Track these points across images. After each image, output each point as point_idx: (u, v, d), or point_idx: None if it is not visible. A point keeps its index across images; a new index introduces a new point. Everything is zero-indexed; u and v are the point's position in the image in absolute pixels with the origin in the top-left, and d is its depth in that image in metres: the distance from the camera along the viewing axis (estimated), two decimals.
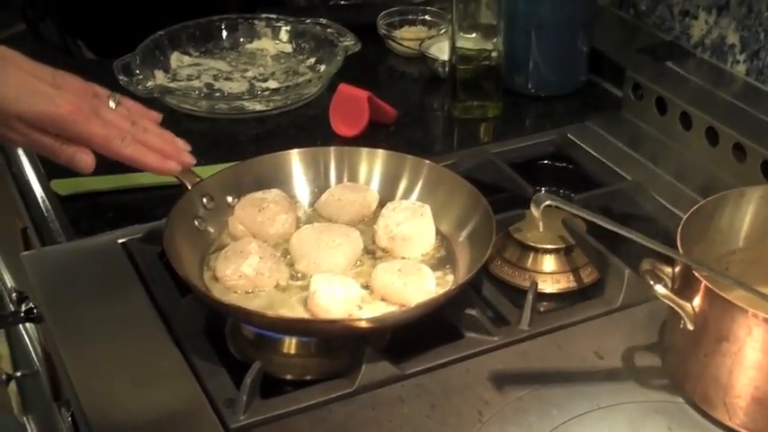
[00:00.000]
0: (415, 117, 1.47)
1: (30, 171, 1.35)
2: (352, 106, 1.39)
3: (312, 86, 1.49)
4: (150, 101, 1.40)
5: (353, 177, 1.20)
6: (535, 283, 1.08)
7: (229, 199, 1.16)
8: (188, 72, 1.56)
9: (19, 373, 1.82)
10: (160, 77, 1.52)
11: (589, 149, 1.37)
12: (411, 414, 0.95)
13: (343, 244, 1.09)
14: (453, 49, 1.41)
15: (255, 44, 1.64)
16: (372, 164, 1.21)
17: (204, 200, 1.14)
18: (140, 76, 1.47)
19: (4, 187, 1.41)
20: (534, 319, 1.05)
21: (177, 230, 1.08)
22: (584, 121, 1.44)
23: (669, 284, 0.95)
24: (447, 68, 1.45)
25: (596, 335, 1.04)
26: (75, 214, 1.25)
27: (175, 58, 1.58)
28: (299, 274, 1.08)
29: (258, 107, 1.46)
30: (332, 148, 1.22)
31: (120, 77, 1.44)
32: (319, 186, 1.20)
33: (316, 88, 1.49)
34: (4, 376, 1.84)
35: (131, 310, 1.07)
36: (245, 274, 1.05)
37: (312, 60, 1.59)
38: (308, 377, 1.01)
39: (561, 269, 1.13)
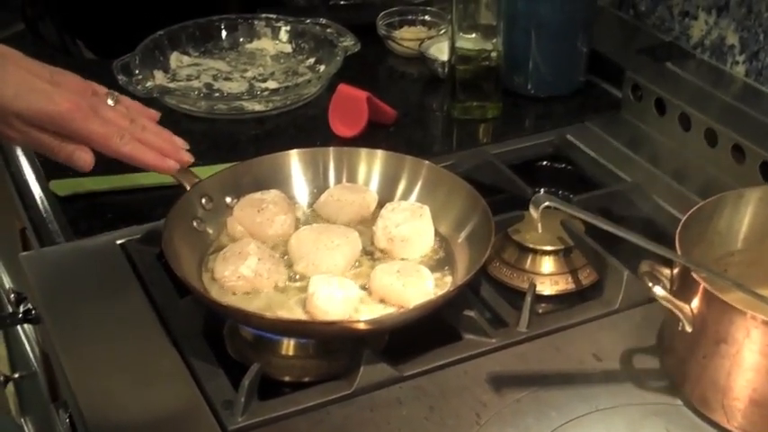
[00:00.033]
0: (414, 117, 1.47)
1: (28, 171, 1.35)
2: (352, 107, 1.39)
3: (311, 87, 1.48)
4: (149, 101, 1.40)
5: (352, 178, 1.20)
6: (534, 285, 1.08)
7: (228, 200, 1.16)
8: (187, 72, 1.56)
9: (17, 375, 1.82)
10: (159, 77, 1.52)
11: (588, 150, 1.37)
12: (409, 416, 0.95)
13: (341, 245, 1.09)
14: (453, 49, 1.40)
15: (255, 44, 1.64)
16: (371, 164, 1.21)
17: (203, 200, 1.14)
18: (140, 76, 1.47)
19: (3, 188, 1.41)
20: (533, 320, 1.05)
21: (176, 231, 1.08)
22: (583, 122, 1.44)
23: (668, 286, 0.95)
24: (446, 69, 1.45)
25: (595, 337, 1.04)
26: (74, 215, 1.25)
27: (175, 58, 1.58)
28: (298, 276, 1.08)
29: (257, 107, 1.46)
30: (331, 149, 1.22)
31: (120, 77, 1.44)
32: (318, 187, 1.20)
33: (315, 88, 1.49)
34: (1, 377, 1.84)
35: (130, 311, 1.07)
36: (243, 275, 1.05)
37: (312, 60, 1.59)
38: (307, 379, 1.00)
39: (560, 271, 1.13)
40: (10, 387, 1.86)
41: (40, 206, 1.28)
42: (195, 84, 1.53)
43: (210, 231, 1.13)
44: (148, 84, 1.46)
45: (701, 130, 1.32)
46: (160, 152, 1.08)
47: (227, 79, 1.55)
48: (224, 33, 1.64)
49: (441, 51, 1.51)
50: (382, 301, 1.04)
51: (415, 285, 1.03)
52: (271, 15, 1.66)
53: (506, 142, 1.40)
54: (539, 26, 1.45)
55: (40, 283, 1.12)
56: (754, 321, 0.88)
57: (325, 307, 1.00)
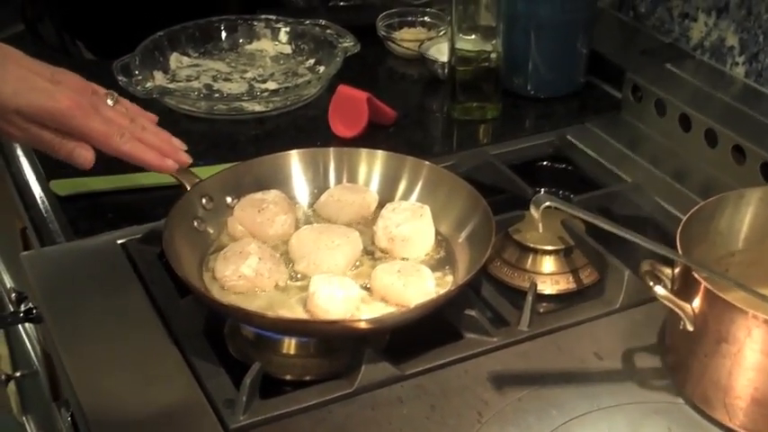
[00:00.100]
0: (414, 118, 1.47)
1: (29, 171, 1.35)
2: (352, 107, 1.39)
3: (311, 87, 1.49)
4: (149, 101, 1.40)
5: (353, 178, 1.20)
6: (534, 284, 1.08)
7: (229, 200, 1.16)
8: (187, 73, 1.56)
9: (18, 374, 1.82)
10: (159, 78, 1.52)
11: (588, 151, 1.38)
12: (410, 415, 0.95)
13: (342, 245, 1.09)
14: (453, 50, 1.41)
15: (255, 45, 1.64)
16: (372, 165, 1.21)
17: (203, 200, 1.14)
18: (139, 77, 1.47)
19: (4, 187, 1.41)
20: (534, 319, 1.05)
21: (176, 231, 1.08)
22: (583, 123, 1.44)
23: (669, 285, 0.95)
24: (446, 70, 1.45)
25: (596, 336, 1.04)
26: (75, 214, 1.25)
27: (174, 59, 1.58)
28: (299, 275, 1.08)
29: (257, 108, 1.46)
30: (331, 149, 1.22)
31: (120, 78, 1.44)
32: (319, 187, 1.20)
33: (315, 89, 1.49)
34: (3, 376, 1.84)
35: (131, 310, 1.07)
36: (244, 274, 1.05)
37: (311, 61, 1.59)
38: (308, 378, 1.01)
39: (561, 270, 1.13)
40: (11, 386, 1.86)
41: (41, 206, 1.28)
42: (195, 84, 1.53)
43: (211, 231, 1.13)
44: (148, 84, 1.46)
45: (701, 130, 1.32)
46: (159, 152, 1.09)
47: (226, 80, 1.55)
48: (224, 34, 1.64)
49: (440, 52, 1.52)
50: (383, 300, 1.04)
51: (415, 285, 1.03)
52: (270, 16, 1.66)
53: (506, 143, 1.40)
54: (538, 27, 1.45)
55: (41, 283, 1.12)
56: (755, 320, 0.88)
57: (326, 306, 1.00)
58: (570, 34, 1.48)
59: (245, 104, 1.46)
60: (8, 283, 1.73)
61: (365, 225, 1.16)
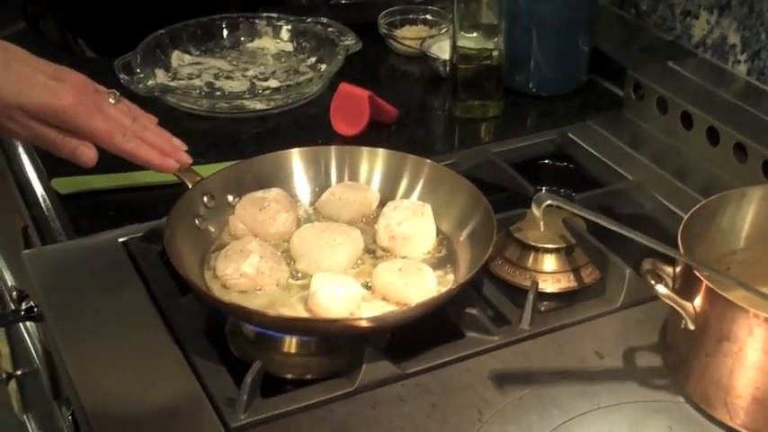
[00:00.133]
0: (415, 116, 1.47)
1: (30, 170, 1.35)
2: (353, 105, 1.39)
3: (313, 85, 1.48)
4: (151, 99, 1.41)
5: (354, 176, 1.20)
6: (536, 283, 1.08)
7: (230, 198, 1.16)
8: (189, 71, 1.56)
9: (19, 372, 1.82)
10: (161, 76, 1.52)
11: (590, 149, 1.37)
12: (411, 413, 0.95)
13: (343, 243, 1.09)
14: (454, 48, 1.40)
15: (256, 43, 1.64)
16: (373, 163, 1.21)
17: (205, 199, 1.14)
18: (141, 75, 1.47)
19: (5, 186, 1.41)
20: (535, 318, 1.05)
21: (178, 229, 1.08)
22: (585, 121, 1.44)
23: (670, 284, 0.95)
24: (448, 68, 1.45)
25: (597, 334, 1.04)
26: (76, 213, 1.25)
27: (176, 57, 1.58)
28: (300, 274, 1.08)
29: (259, 106, 1.46)
30: (333, 148, 1.22)
31: (121, 76, 1.44)
32: (320, 185, 1.20)
33: (317, 87, 1.49)
34: (4, 375, 1.85)
35: (132, 308, 1.07)
36: (245, 273, 1.05)
37: (313, 59, 1.59)
38: (309, 376, 1.01)
39: (562, 269, 1.13)
40: (12, 384, 1.86)
41: (42, 204, 1.28)
42: (196, 82, 1.53)
43: (212, 229, 1.13)
44: (150, 82, 1.46)
45: (702, 128, 1.32)
46: (160, 152, 1.09)
47: (228, 78, 1.55)
48: (225, 32, 1.64)
49: (442, 50, 1.51)
50: (384, 299, 1.04)
51: (416, 283, 1.03)
52: (272, 14, 1.66)
53: (508, 141, 1.40)
54: (540, 25, 1.45)
55: (42, 281, 1.12)
56: (756, 319, 0.88)
57: (328, 305, 1.00)
58: (572, 32, 1.48)
59: (246, 102, 1.46)
60: (9, 281, 1.73)
61: (366, 223, 1.16)
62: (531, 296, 1.05)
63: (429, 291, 1.03)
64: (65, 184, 1.28)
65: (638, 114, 1.43)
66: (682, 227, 0.97)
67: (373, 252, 1.12)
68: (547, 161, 1.39)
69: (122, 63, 1.48)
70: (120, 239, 1.17)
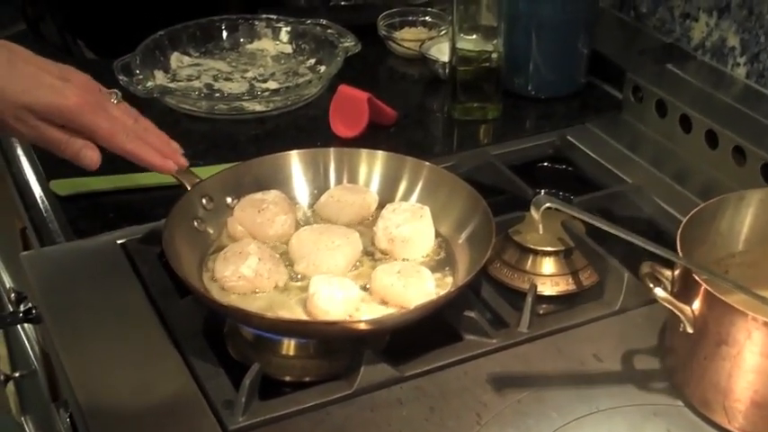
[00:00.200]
0: (414, 118, 1.47)
1: (29, 171, 1.35)
2: (352, 107, 1.39)
3: (312, 87, 1.48)
4: (150, 101, 1.41)
5: (353, 179, 1.20)
6: (534, 286, 1.08)
7: (229, 200, 1.16)
8: (188, 72, 1.56)
9: (17, 374, 1.82)
10: (160, 78, 1.52)
11: (589, 152, 1.37)
12: (410, 416, 0.95)
13: (342, 245, 1.09)
14: (453, 50, 1.40)
15: (256, 45, 1.64)
16: (372, 165, 1.21)
17: (204, 201, 1.14)
18: (140, 76, 1.47)
19: (4, 187, 1.41)
20: (533, 321, 1.04)
21: (176, 231, 1.08)
22: (584, 123, 1.44)
23: (669, 287, 0.95)
24: (447, 70, 1.45)
25: (595, 338, 1.04)
26: (75, 215, 1.24)
27: (175, 59, 1.58)
28: (299, 276, 1.08)
29: (258, 108, 1.46)
30: (331, 150, 1.22)
31: (120, 77, 1.44)
32: (319, 187, 1.20)
33: (316, 89, 1.49)
34: (2, 377, 1.84)
35: (130, 310, 1.07)
36: (244, 275, 1.05)
37: (312, 61, 1.59)
38: (307, 379, 1.00)
39: (560, 272, 1.13)
40: (10, 386, 1.86)
41: (41, 206, 1.28)
42: (196, 84, 1.53)
43: (211, 231, 1.13)
44: (149, 84, 1.46)
45: (701, 131, 1.32)
46: (160, 153, 1.09)
47: (227, 79, 1.55)
48: (224, 34, 1.64)
49: (441, 52, 1.51)
50: (383, 301, 1.04)
51: (415, 286, 1.03)
52: (271, 16, 1.66)
53: (507, 143, 1.40)
54: (539, 27, 1.45)
55: (41, 283, 1.12)
56: (755, 323, 0.88)
57: (326, 307, 1.00)
58: (571, 34, 1.48)
59: (245, 104, 1.45)
60: (8, 283, 1.73)
61: (365, 226, 1.16)
62: (529, 299, 1.05)
63: (428, 293, 1.03)
64: (63, 186, 1.28)
65: (637, 117, 1.43)
66: (680, 230, 0.97)
67: (372, 254, 1.12)
68: (546, 164, 1.39)
69: (122, 64, 1.48)
70: (119, 241, 1.17)
